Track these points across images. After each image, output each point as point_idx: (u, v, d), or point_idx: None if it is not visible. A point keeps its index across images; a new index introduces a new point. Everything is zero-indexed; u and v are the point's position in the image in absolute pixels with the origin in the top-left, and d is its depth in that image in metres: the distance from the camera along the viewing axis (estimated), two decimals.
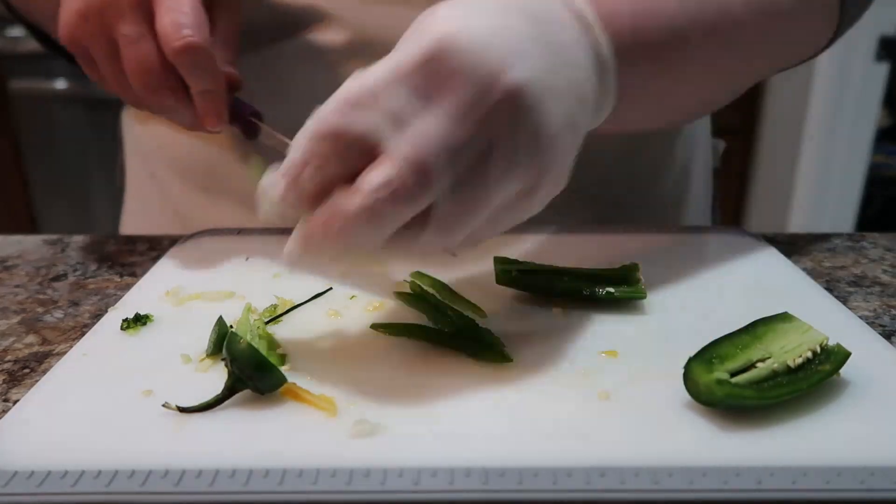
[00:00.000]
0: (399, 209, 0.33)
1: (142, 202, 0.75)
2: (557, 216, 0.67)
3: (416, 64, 0.33)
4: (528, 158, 0.35)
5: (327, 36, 0.58)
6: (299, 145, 0.34)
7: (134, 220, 0.76)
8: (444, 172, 0.33)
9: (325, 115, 0.34)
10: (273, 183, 0.36)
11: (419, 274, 0.51)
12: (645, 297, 0.47)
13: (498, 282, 0.47)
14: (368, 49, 0.57)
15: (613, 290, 0.47)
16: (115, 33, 0.47)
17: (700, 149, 0.73)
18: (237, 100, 0.53)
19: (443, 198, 0.34)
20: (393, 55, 0.34)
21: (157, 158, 0.70)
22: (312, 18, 0.59)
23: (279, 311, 0.45)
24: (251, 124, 0.53)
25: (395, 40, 0.55)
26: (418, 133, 0.32)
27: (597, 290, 0.47)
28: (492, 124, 0.33)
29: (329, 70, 0.59)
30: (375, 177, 0.32)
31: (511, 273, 0.48)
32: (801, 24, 0.52)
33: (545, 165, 0.36)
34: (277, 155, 0.52)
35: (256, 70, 0.60)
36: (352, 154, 0.33)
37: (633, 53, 0.41)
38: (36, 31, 0.69)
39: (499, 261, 0.49)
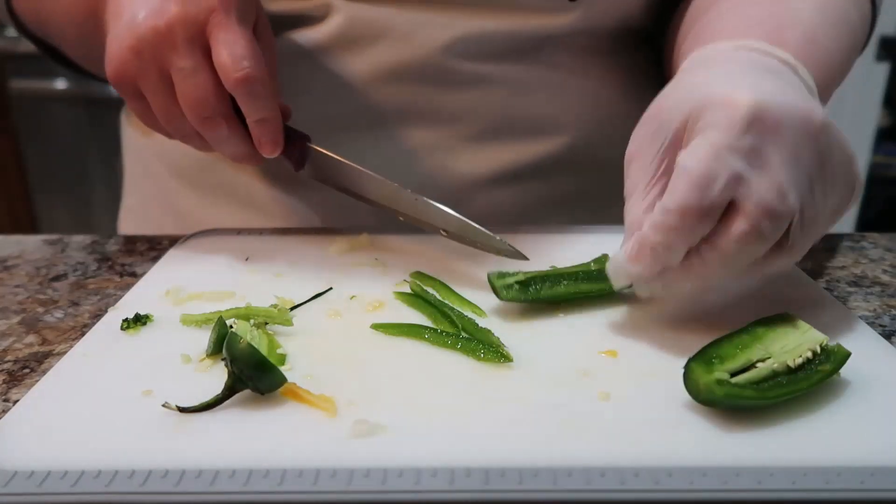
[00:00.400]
0: (756, 250, 0.38)
1: (140, 201, 0.75)
2: (563, 214, 0.67)
3: (741, 130, 0.37)
4: (845, 176, 0.41)
5: (324, 30, 0.59)
6: (658, 226, 0.38)
7: (132, 219, 0.76)
8: (791, 210, 0.38)
9: (680, 198, 0.37)
10: (631, 261, 0.40)
11: (419, 274, 0.51)
12: None
13: (501, 298, 0.46)
14: (358, 33, 0.59)
15: (606, 284, 0.47)
16: (170, 67, 0.48)
17: None
18: (288, 128, 0.53)
19: (793, 228, 0.39)
20: (708, 133, 0.38)
21: (158, 162, 0.70)
22: (311, 16, 0.59)
23: (279, 311, 0.45)
24: (303, 150, 0.54)
25: (383, 33, 0.57)
26: (763, 184, 0.37)
27: (593, 287, 0.47)
28: (814, 156, 0.39)
29: (320, 64, 0.59)
30: (735, 231, 0.37)
31: (513, 287, 0.46)
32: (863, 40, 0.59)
33: (856, 178, 0.42)
34: (316, 186, 0.54)
35: None
36: (710, 220, 0.38)
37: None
38: (43, 46, 0.69)
39: (495, 277, 0.47)
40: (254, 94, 0.48)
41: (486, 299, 0.48)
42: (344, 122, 0.61)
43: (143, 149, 0.72)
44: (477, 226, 0.50)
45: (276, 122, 0.51)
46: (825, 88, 0.49)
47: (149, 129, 0.69)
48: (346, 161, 0.53)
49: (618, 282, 0.42)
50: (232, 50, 0.47)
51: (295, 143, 0.54)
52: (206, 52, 0.48)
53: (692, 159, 0.38)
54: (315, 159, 0.54)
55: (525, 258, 0.49)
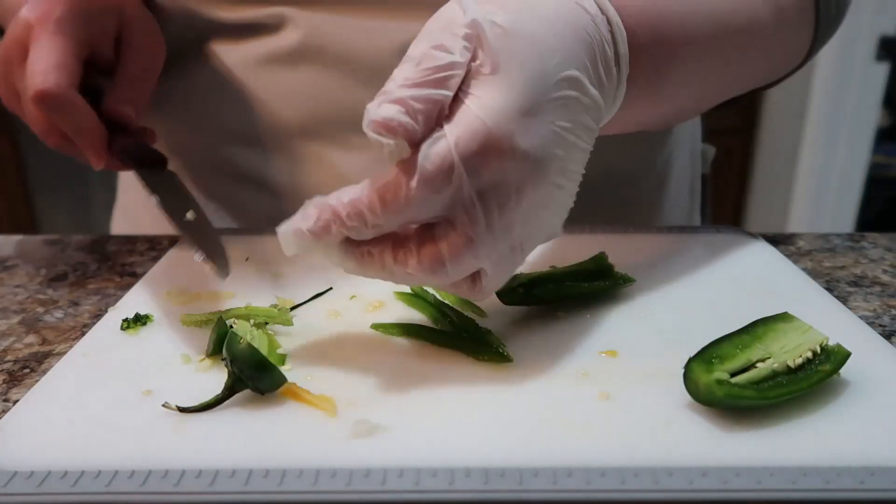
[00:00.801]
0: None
1: (133, 201, 0.75)
2: None
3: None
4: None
5: (280, 41, 0.59)
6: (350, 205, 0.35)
7: (124, 219, 0.76)
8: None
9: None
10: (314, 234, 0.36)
11: None
12: (634, 281, 0.48)
13: (505, 303, 0.46)
14: (319, 52, 0.58)
15: (606, 282, 0.48)
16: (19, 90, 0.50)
17: (681, 152, 0.72)
18: (139, 144, 0.53)
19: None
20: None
21: None
22: (265, 24, 0.59)
23: (279, 311, 0.45)
24: (156, 164, 0.53)
25: (345, 44, 0.57)
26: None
27: (594, 287, 0.47)
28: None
29: (281, 74, 0.59)
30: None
31: (518, 291, 0.45)
32: (779, 36, 0.54)
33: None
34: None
35: (209, 78, 0.61)
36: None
37: (647, 49, 0.43)
38: None
39: None
40: (53, 108, 0.48)
41: (486, 299, 0.48)
42: (307, 131, 0.60)
43: None
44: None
45: (90, 133, 0.50)
46: (658, 39, 0.44)
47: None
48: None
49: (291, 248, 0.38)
50: (32, 67, 0.47)
51: (143, 158, 0.53)
52: None
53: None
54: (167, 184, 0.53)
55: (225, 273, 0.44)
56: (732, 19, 0.50)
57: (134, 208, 0.75)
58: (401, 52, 0.57)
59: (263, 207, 0.65)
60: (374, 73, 0.59)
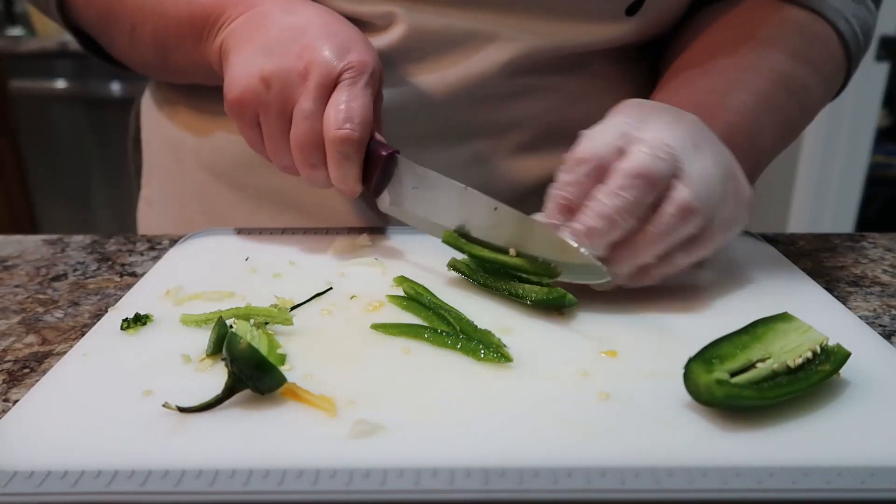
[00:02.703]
0: (680, 232, 0.45)
1: (165, 193, 0.74)
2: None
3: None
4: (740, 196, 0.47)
5: (384, 37, 0.59)
6: (615, 192, 0.43)
7: (155, 211, 0.76)
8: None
9: (638, 163, 0.43)
10: (588, 236, 0.44)
11: (402, 279, 0.50)
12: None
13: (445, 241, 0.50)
14: (420, 46, 0.59)
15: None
16: (293, 105, 0.50)
17: None
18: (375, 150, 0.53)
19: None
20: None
21: (193, 159, 0.69)
22: (367, 23, 0.59)
23: (279, 311, 0.45)
24: (385, 168, 0.53)
25: (445, 49, 0.59)
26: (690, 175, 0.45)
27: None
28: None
29: (385, 67, 0.60)
30: (669, 209, 0.44)
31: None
32: (826, 93, 0.64)
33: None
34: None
35: None
36: (655, 191, 0.44)
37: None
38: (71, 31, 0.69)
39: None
40: (345, 155, 0.50)
41: (487, 299, 0.48)
42: (397, 136, 0.60)
43: (173, 142, 0.71)
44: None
45: (356, 181, 0.52)
46: (754, 164, 0.56)
47: (173, 115, 0.69)
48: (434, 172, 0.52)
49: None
50: (346, 108, 0.49)
51: (377, 165, 0.53)
52: (327, 102, 0.50)
53: (642, 146, 0.44)
54: (398, 175, 0.53)
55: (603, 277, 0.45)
56: (798, 112, 0.60)
57: (157, 198, 0.75)
58: (508, 65, 0.61)
59: (345, 205, 0.65)
60: (480, 85, 0.59)
